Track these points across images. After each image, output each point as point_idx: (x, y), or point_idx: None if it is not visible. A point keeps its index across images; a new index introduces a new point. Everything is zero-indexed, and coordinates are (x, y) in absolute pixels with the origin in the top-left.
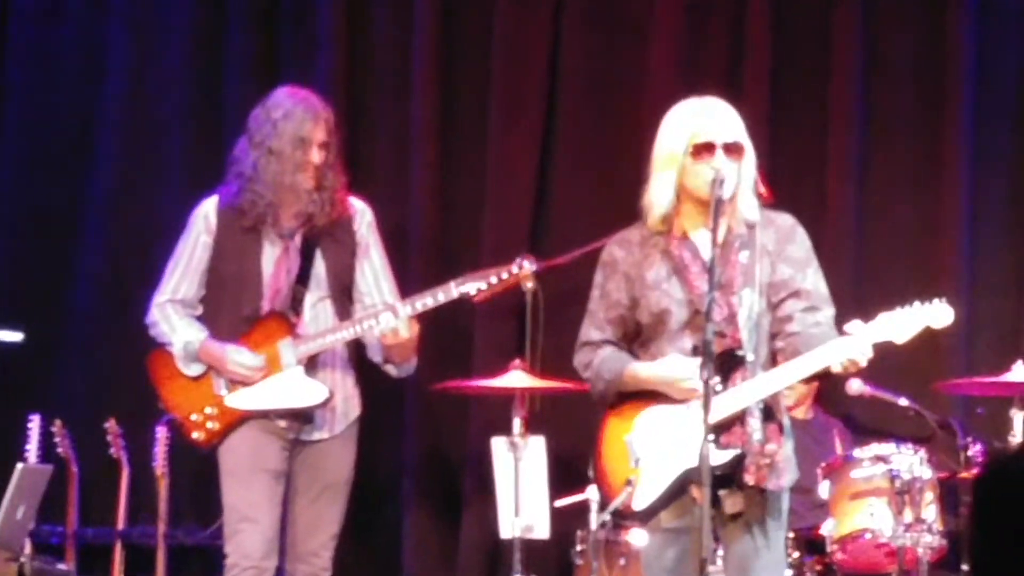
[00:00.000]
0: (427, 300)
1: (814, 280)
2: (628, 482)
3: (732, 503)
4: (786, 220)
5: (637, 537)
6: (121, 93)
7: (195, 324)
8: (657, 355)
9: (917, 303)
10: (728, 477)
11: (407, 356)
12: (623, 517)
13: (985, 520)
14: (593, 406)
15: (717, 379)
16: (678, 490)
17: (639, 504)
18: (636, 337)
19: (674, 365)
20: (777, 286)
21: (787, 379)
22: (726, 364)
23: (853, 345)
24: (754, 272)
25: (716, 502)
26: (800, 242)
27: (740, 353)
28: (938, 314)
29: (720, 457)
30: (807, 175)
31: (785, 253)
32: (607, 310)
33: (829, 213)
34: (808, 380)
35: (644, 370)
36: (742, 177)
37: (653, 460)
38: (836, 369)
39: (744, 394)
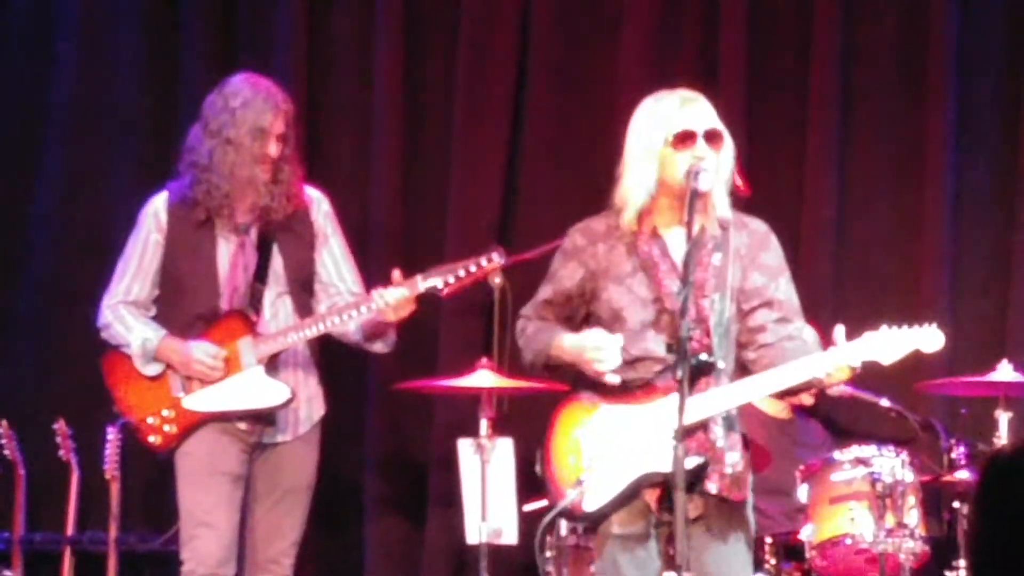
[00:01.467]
0: (394, 293)
1: (787, 290)
2: (579, 481)
3: (692, 508)
4: (760, 226)
5: None
6: (71, 87)
7: (151, 323)
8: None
9: (905, 327)
10: (690, 484)
11: (387, 330)
12: (572, 518)
13: (989, 519)
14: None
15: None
16: (631, 494)
17: (590, 505)
18: (583, 327)
19: (594, 337)
20: (748, 293)
21: (765, 390)
22: (694, 368)
23: (838, 359)
24: (726, 276)
25: (671, 507)
26: (774, 250)
27: (710, 359)
28: (929, 339)
29: (688, 463)
30: (785, 169)
31: (759, 260)
32: (553, 294)
33: (807, 207)
34: (781, 395)
35: (567, 340)
36: (720, 169)
37: (607, 460)
38: (820, 377)
39: (715, 401)
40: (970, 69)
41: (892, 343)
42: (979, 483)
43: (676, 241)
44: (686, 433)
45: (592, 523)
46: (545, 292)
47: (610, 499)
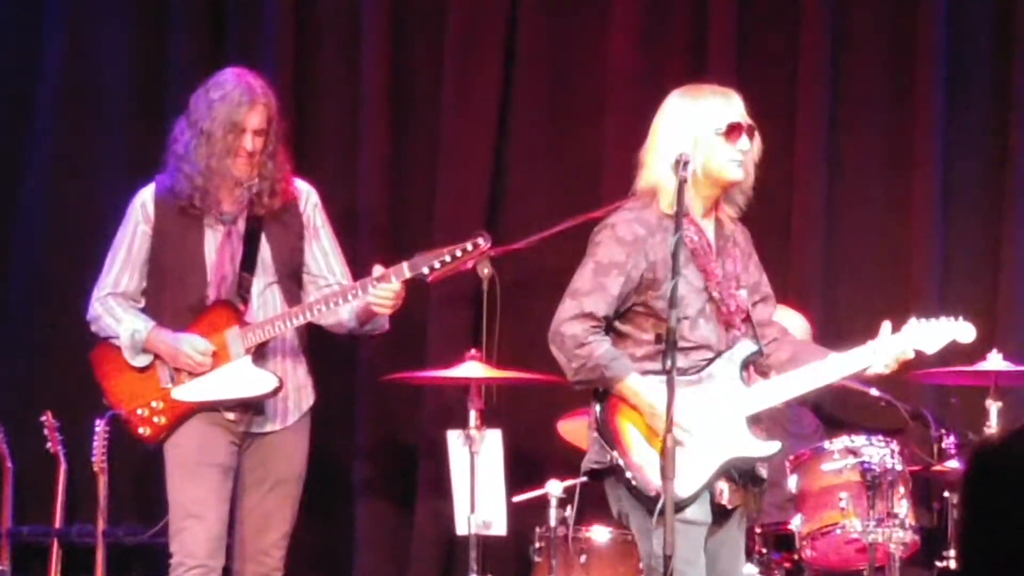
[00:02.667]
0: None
1: (768, 284)
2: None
3: (738, 497)
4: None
5: (598, 534)
6: (58, 78)
7: (141, 315)
8: (651, 330)
9: (941, 319)
10: (750, 471)
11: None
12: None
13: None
14: (552, 399)
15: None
16: (720, 475)
17: (685, 491)
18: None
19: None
20: (751, 288)
21: (826, 378)
22: (748, 360)
23: (892, 351)
24: (744, 271)
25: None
26: (753, 246)
27: (758, 347)
28: (964, 332)
29: (766, 448)
30: (775, 157)
31: (751, 254)
32: (623, 286)
33: (797, 196)
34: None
35: (646, 392)
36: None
37: (689, 444)
38: (877, 370)
39: (781, 388)
40: (960, 57)
41: (933, 333)
42: (965, 474)
43: (710, 227)
44: (758, 420)
45: (683, 507)
46: (613, 287)
47: (704, 483)
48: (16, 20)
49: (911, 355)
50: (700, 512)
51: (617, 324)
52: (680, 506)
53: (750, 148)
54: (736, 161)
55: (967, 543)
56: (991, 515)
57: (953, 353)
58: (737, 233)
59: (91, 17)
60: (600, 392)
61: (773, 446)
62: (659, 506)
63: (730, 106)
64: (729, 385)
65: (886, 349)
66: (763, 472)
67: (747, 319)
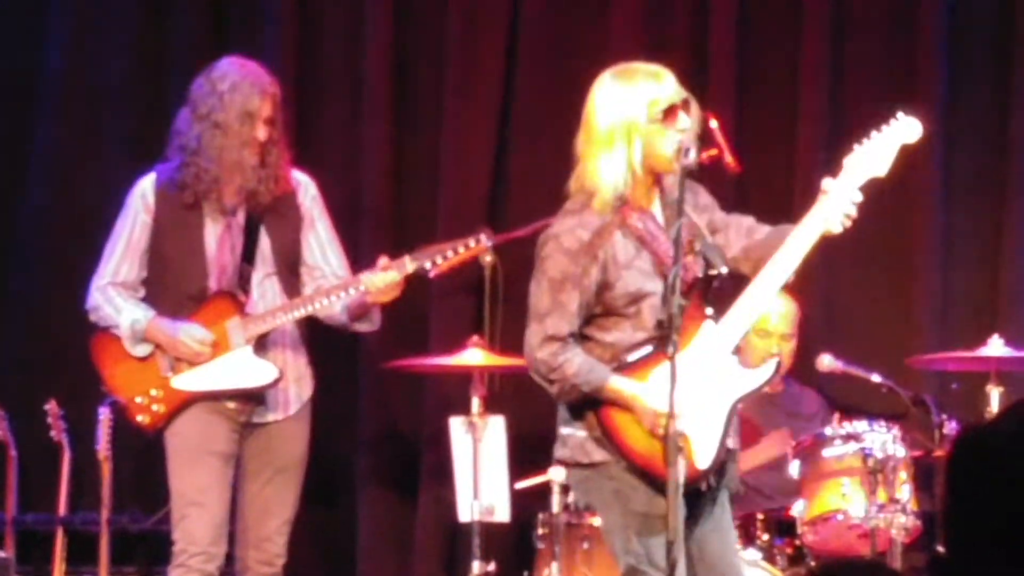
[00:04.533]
0: (384, 277)
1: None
2: (679, 449)
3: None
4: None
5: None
6: (61, 67)
7: (140, 304)
8: (614, 330)
9: (882, 127)
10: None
11: (372, 310)
12: (695, 480)
13: (959, 496)
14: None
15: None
16: (730, 423)
17: (703, 463)
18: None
19: (656, 396)
20: (713, 227)
21: (795, 255)
22: (705, 289)
23: (841, 198)
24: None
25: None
26: (702, 191)
27: (712, 272)
28: (907, 129)
29: (762, 374)
30: (776, 145)
31: (699, 203)
32: (580, 297)
33: (799, 184)
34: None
35: (628, 388)
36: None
37: (692, 416)
38: (837, 230)
39: (751, 302)
40: (960, 45)
41: (876, 151)
42: (949, 458)
43: (657, 206)
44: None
45: (709, 476)
46: (570, 302)
47: (718, 442)
48: (19, 9)
49: (859, 197)
50: (658, 507)
51: (584, 330)
52: (707, 475)
53: (690, 122)
54: (679, 149)
55: (952, 527)
56: (975, 499)
57: (954, 338)
58: (690, 193)
59: (93, 6)
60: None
61: (768, 367)
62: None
63: (663, 87)
64: (700, 328)
65: (837, 199)
66: (729, 442)
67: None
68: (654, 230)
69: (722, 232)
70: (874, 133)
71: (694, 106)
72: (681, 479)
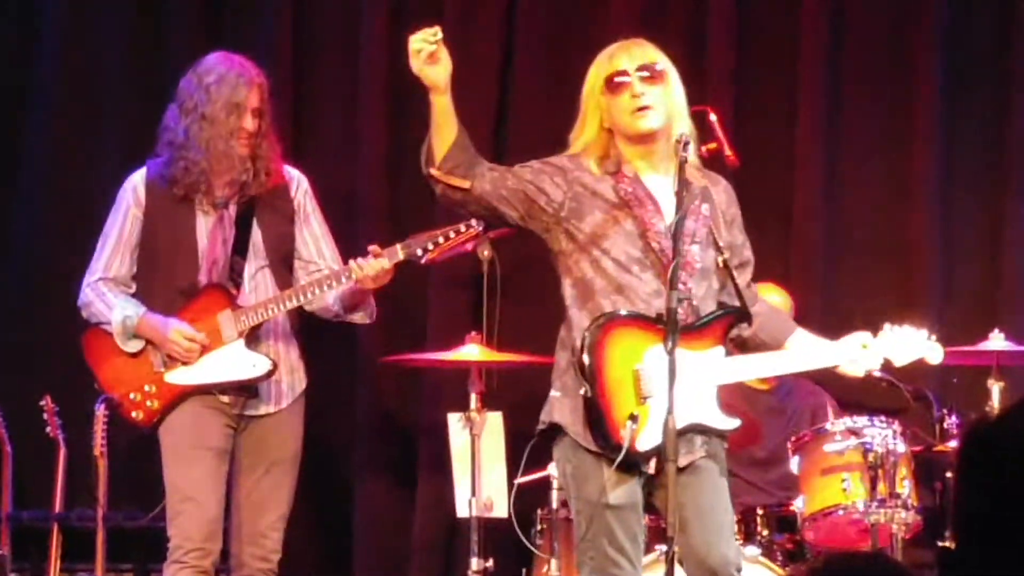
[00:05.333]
0: (374, 265)
1: (750, 248)
2: (632, 417)
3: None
4: (726, 182)
5: None
6: (55, 66)
7: (132, 300)
8: (605, 266)
9: (917, 332)
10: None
11: (366, 300)
12: (614, 451)
13: (969, 490)
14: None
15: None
16: (683, 436)
17: (644, 444)
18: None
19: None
20: (733, 250)
21: (799, 366)
22: (728, 325)
23: (869, 357)
24: (713, 227)
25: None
26: (738, 206)
27: (739, 311)
28: (934, 352)
29: (726, 423)
30: (775, 137)
31: (734, 216)
32: (526, 171)
33: (798, 176)
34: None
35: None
36: (671, 106)
37: (659, 401)
38: (859, 375)
39: (757, 366)
40: (960, 37)
41: (904, 346)
42: (960, 452)
43: (658, 186)
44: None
45: (641, 460)
46: (517, 169)
47: (661, 442)
48: (13, 8)
49: (878, 363)
50: (625, 495)
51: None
52: (632, 460)
53: (649, 92)
54: (633, 111)
55: (962, 521)
56: (986, 493)
57: (955, 333)
58: (716, 192)
59: (88, 5)
60: (587, 337)
61: (733, 422)
62: (619, 457)
63: (612, 60)
64: (711, 350)
65: (858, 356)
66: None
67: (709, 277)
68: (642, 195)
69: (736, 267)
70: (916, 333)
71: (671, 78)
72: (625, 442)
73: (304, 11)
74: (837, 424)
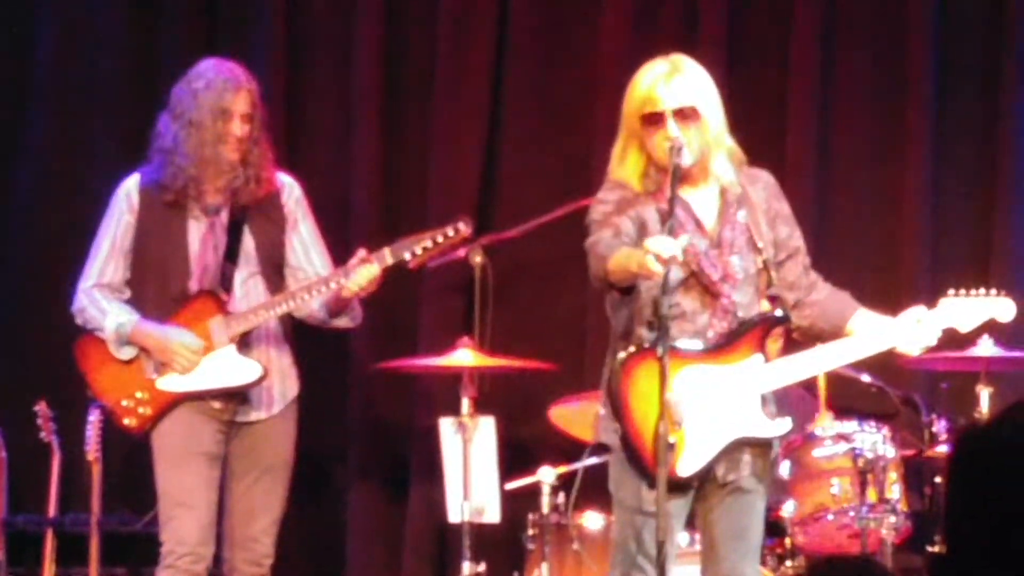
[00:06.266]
0: (364, 273)
1: (800, 236)
2: (671, 445)
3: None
4: (769, 177)
5: (591, 520)
6: (52, 67)
7: (126, 307)
8: (645, 306)
9: (982, 292)
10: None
11: (351, 305)
12: (652, 486)
13: (960, 495)
14: (545, 385)
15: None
16: (725, 455)
17: (684, 470)
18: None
19: (656, 238)
20: (779, 245)
21: (852, 355)
22: (766, 329)
23: (932, 332)
24: (754, 231)
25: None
26: (784, 198)
27: (779, 315)
28: (1003, 308)
29: (775, 428)
30: (765, 142)
31: (777, 210)
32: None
33: (788, 181)
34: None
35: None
36: (704, 142)
37: (698, 423)
38: (914, 354)
39: (804, 365)
40: (951, 44)
41: (969, 310)
42: (951, 458)
43: (698, 201)
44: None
45: (682, 486)
46: (610, 220)
47: (706, 463)
48: (9, 8)
49: (938, 335)
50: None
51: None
52: (677, 486)
53: (683, 132)
54: (667, 149)
55: (953, 528)
56: (977, 499)
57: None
58: (755, 191)
59: (84, 5)
60: (614, 364)
61: (782, 426)
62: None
63: (653, 92)
64: (749, 359)
65: (928, 331)
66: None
67: (752, 282)
68: (682, 216)
69: (791, 274)
70: (979, 296)
71: (710, 113)
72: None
73: (298, 19)
74: (827, 429)
